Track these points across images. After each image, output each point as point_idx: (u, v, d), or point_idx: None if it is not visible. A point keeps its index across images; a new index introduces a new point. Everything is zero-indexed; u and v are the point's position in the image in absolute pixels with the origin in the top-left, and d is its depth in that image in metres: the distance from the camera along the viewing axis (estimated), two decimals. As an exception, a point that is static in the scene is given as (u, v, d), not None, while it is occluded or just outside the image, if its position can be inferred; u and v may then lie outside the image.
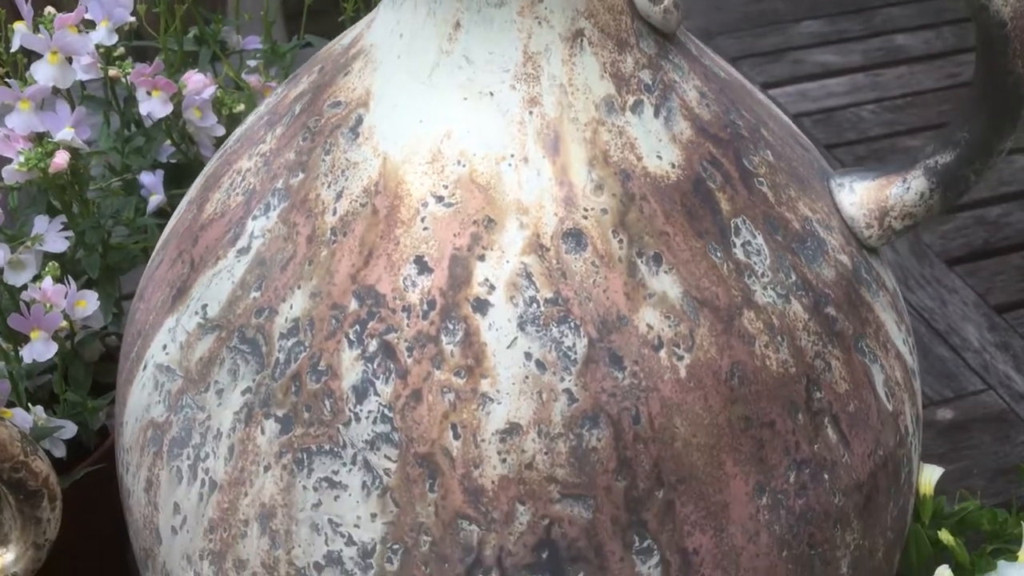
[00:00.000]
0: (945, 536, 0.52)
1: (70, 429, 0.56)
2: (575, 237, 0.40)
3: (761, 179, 0.44)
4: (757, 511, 0.41)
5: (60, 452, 0.57)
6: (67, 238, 0.58)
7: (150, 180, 0.63)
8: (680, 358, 0.40)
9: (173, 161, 0.67)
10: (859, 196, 0.47)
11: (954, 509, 0.57)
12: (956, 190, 0.46)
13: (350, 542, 0.40)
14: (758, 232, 0.43)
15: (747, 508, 0.41)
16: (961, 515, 0.56)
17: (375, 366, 0.40)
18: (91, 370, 0.62)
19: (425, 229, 0.41)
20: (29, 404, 0.55)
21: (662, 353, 0.40)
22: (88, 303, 0.54)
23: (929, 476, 0.56)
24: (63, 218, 0.58)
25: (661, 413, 0.40)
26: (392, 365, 0.40)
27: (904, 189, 0.47)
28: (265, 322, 0.42)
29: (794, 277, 0.43)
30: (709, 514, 0.40)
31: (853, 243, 0.47)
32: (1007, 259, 0.94)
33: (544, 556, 0.39)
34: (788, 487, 0.42)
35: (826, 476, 0.43)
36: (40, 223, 0.58)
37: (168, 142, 0.65)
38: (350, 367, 0.40)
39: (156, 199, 0.63)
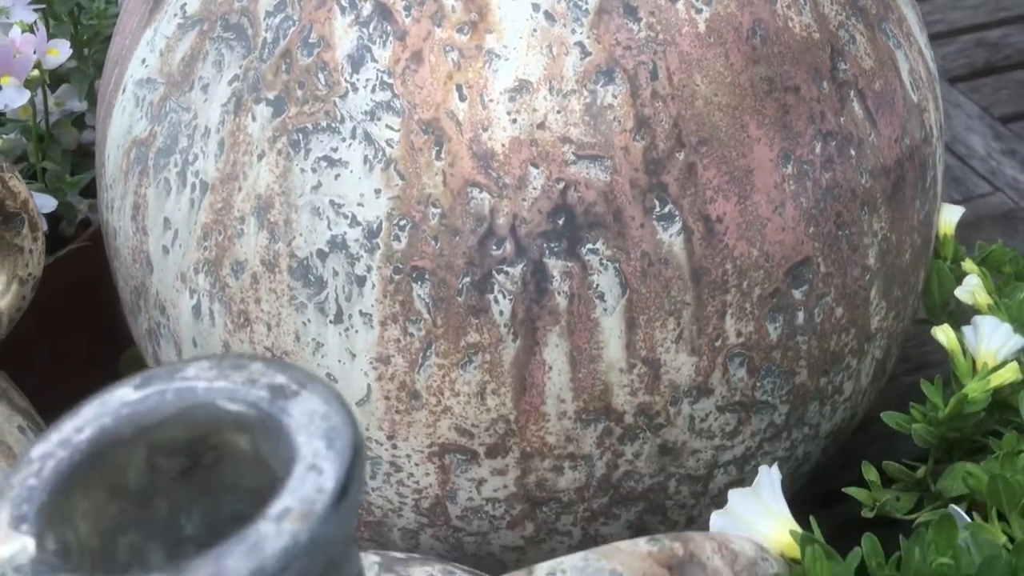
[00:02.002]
0: (969, 266, 0.50)
1: (48, 203, 0.54)
2: None
3: None
4: (782, 180, 0.39)
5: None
6: (36, 10, 0.55)
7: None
8: (699, 11, 0.37)
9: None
10: None
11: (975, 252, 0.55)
12: None
13: (354, 223, 0.38)
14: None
15: (772, 176, 0.38)
16: (983, 255, 0.54)
17: (371, 30, 0.37)
18: (68, 158, 0.59)
19: None
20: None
21: (679, 5, 0.37)
22: (60, 51, 0.51)
23: (949, 216, 0.54)
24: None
25: (680, 69, 0.37)
26: (389, 27, 0.37)
27: None
28: (249, 3, 0.39)
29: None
30: (733, 179, 0.38)
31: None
32: (1009, 75, 0.92)
33: (560, 223, 0.37)
34: (814, 158, 0.39)
35: (853, 152, 0.40)
36: (7, -5, 0.54)
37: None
38: (343, 35, 0.38)
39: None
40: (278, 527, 0.19)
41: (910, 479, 0.42)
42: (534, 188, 0.37)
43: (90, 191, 0.62)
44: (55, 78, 0.59)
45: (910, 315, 0.48)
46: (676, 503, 0.43)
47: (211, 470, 0.23)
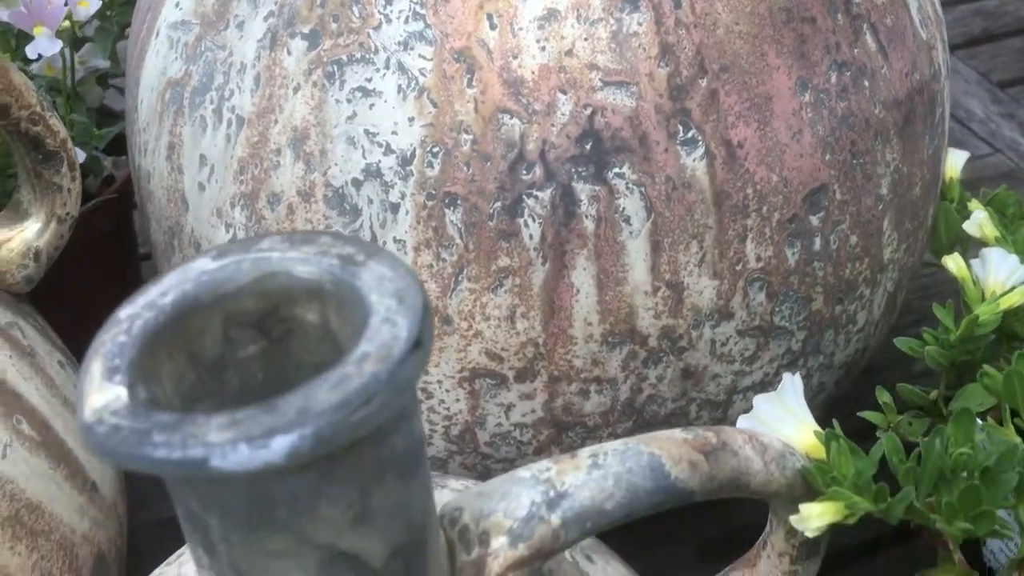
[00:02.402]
0: (975, 204, 0.52)
1: (78, 155, 0.55)
2: None
3: None
4: (800, 107, 0.40)
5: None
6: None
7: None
8: (718, -57, 0.39)
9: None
10: None
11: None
12: None
13: (388, 151, 0.39)
14: None
15: (790, 103, 0.40)
16: (988, 199, 0.55)
17: (405, -37, 0.39)
18: (93, 116, 0.61)
19: None
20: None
21: (700, -63, 0.39)
22: (89, 3, 0.52)
23: (955, 160, 0.55)
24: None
25: (701, -2, 0.39)
26: (422, -40, 0.39)
27: None
28: (286, -58, 0.41)
29: None
30: (753, 106, 0.39)
31: None
32: (1006, 43, 0.94)
33: (587, 148, 0.38)
34: (830, 87, 0.41)
35: (866, 83, 0.42)
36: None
37: None
38: (378, -32, 0.39)
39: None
40: (359, 368, 0.21)
41: (924, 401, 0.43)
42: (562, 114, 0.38)
43: (112, 149, 0.63)
44: (78, 40, 0.61)
45: (920, 251, 0.49)
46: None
47: (280, 344, 0.25)
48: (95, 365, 0.22)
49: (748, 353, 0.43)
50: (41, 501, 0.40)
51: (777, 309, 0.43)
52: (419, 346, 0.21)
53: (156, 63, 0.45)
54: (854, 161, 0.42)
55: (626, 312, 0.41)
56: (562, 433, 0.44)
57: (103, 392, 0.21)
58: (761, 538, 0.38)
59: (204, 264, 0.23)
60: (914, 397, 0.43)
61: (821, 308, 0.44)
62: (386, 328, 0.21)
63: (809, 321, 0.44)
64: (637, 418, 0.44)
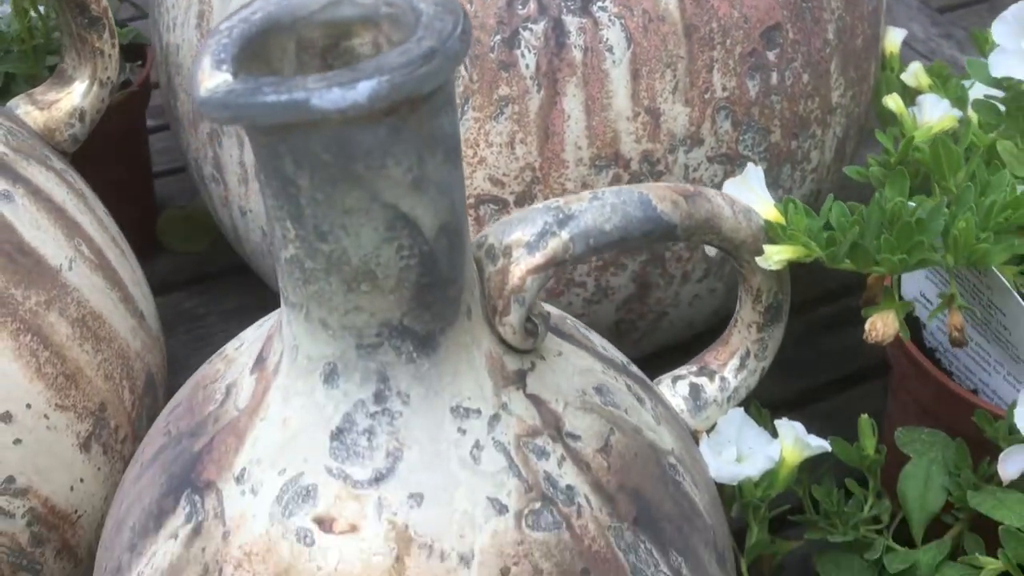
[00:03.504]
0: (921, 77, 0.58)
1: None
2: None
3: None
4: (756, -47, 0.46)
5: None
6: None
7: None
8: None
9: None
10: None
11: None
12: None
13: (400, -6, 0.45)
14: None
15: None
16: (927, 68, 0.62)
17: None
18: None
19: None
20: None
21: None
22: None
23: (894, 37, 0.62)
24: None
25: None
26: None
27: None
28: None
29: None
30: (715, -51, 0.45)
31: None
32: (942, -25, 1.01)
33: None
34: (781, -63, 0.47)
35: (812, -64, 0.48)
36: None
37: None
38: None
39: None
40: (418, 44, 0.26)
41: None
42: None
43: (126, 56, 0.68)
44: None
45: (865, 104, 0.56)
46: (673, 254, 0.51)
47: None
48: (205, 60, 0.27)
49: (717, 180, 0.49)
50: (102, 313, 0.45)
51: (741, 138, 0.49)
52: (464, 33, 0.27)
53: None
54: (804, 4, 0.48)
55: (611, 136, 0.47)
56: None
57: (214, 77, 0.27)
58: (732, 318, 0.44)
59: (283, -8, 0.29)
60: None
61: (779, 141, 0.50)
62: (436, 23, 0.27)
63: (769, 152, 0.50)
64: (621, 241, 0.50)
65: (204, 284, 0.71)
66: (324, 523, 0.32)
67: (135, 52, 0.67)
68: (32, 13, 0.59)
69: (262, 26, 0.28)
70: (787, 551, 0.46)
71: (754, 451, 0.43)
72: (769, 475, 0.43)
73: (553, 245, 0.33)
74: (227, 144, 0.52)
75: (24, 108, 0.50)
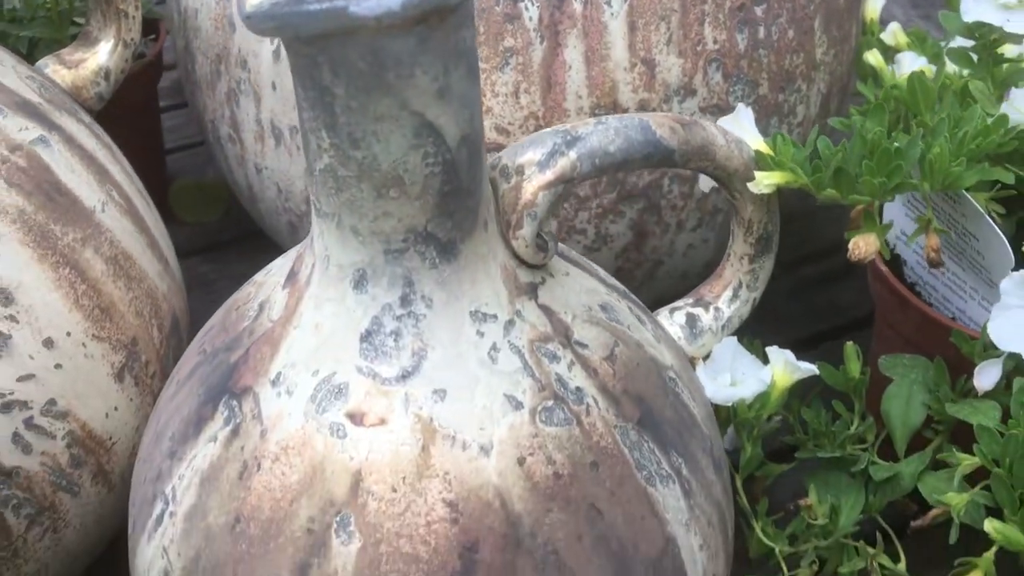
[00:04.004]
0: (899, 36, 0.61)
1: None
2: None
3: None
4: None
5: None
6: None
7: None
8: None
9: None
10: None
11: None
12: None
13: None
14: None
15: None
16: (906, 31, 0.65)
17: None
18: None
19: None
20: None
21: None
22: None
23: (874, 3, 0.65)
24: None
25: None
26: None
27: None
28: None
29: None
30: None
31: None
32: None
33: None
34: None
35: (796, -101, 0.51)
36: None
37: None
38: None
39: None
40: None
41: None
42: (553, -86, 0.47)
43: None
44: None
45: (847, 64, 0.59)
46: (668, 203, 0.54)
47: None
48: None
49: (709, 130, 0.52)
50: (132, 254, 0.48)
51: (731, 89, 0.52)
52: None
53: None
54: (788, -39, 0.51)
55: (609, 86, 0.50)
56: (558, 203, 0.52)
57: (258, -6, 0.30)
58: (725, 253, 0.47)
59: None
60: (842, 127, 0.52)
61: (767, 94, 0.53)
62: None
63: (757, 105, 0.53)
64: (620, 189, 0.53)
65: (216, 252, 0.74)
66: (355, 417, 0.35)
67: (148, 26, 0.70)
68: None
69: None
70: (778, 472, 0.49)
71: (747, 376, 0.46)
72: (761, 397, 0.46)
73: (562, 164, 0.36)
74: (244, 103, 0.55)
75: (53, 67, 0.53)
